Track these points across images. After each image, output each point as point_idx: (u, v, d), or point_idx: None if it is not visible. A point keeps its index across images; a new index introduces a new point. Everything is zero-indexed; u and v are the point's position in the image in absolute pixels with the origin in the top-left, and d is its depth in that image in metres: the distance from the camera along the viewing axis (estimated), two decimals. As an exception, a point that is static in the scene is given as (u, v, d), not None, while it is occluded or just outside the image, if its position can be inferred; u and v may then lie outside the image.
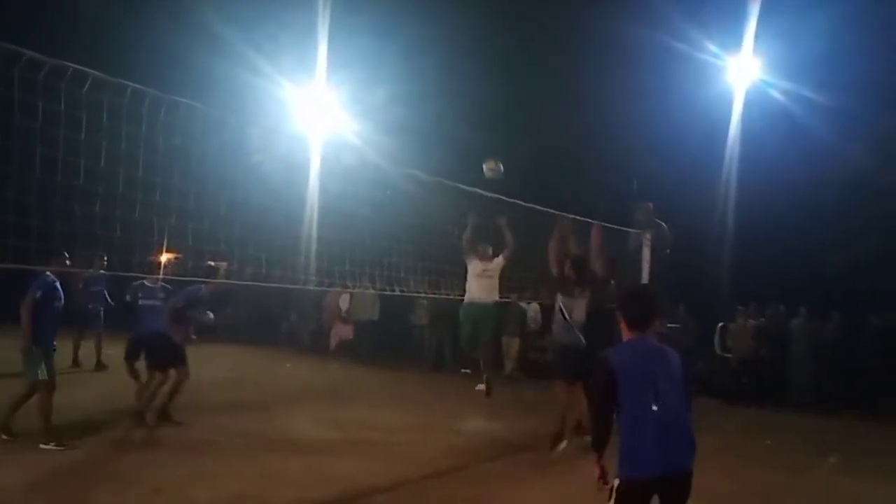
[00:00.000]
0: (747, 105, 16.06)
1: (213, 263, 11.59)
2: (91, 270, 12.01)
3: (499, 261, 9.42)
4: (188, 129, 5.37)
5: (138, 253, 5.76)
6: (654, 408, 3.99)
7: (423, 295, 9.79)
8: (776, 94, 15.72)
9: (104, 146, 4.89)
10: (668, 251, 10.45)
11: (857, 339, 14.54)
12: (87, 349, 12.97)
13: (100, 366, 12.85)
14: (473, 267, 9.38)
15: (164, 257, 18.04)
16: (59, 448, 7.40)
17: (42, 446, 7.39)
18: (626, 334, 4.31)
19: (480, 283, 9.36)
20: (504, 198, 8.58)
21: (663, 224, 10.49)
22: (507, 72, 18.56)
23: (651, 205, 10.49)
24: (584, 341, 8.25)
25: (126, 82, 4.77)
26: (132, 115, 4.92)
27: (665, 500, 4.06)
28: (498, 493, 6.87)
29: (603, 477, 4.07)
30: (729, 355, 15.14)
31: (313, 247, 7.91)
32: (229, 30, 15.00)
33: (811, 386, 14.22)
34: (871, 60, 14.88)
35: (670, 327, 11.36)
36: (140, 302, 9.74)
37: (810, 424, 12.24)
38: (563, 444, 8.19)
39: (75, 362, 12.82)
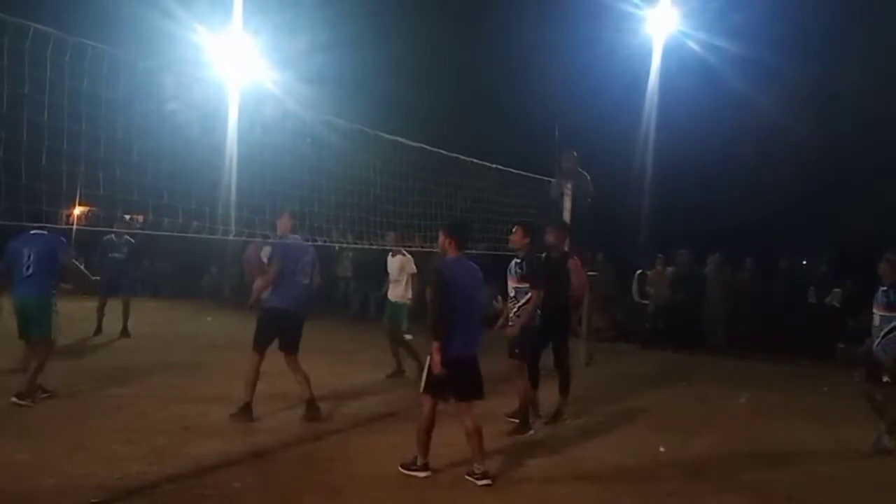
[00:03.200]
0: (665, 55, 16.31)
1: (128, 217, 11.34)
2: (112, 237, 11.77)
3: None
4: (96, 73, 5.15)
5: (46, 204, 5.51)
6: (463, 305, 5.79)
7: (346, 245, 9.72)
8: (693, 45, 15.99)
9: (5, 91, 4.65)
10: (589, 200, 10.62)
11: (768, 284, 15.16)
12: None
13: (124, 333, 12.12)
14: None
15: (77, 210, 17.46)
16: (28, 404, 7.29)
17: (16, 401, 7.26)
18: (452, 254, 5.98)
19: None
20: (427, 147, 8.54)
21: (585, 173, 10.63)
22: (430, 21, 18.37)
23: (575, 153, 10.60)
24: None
25: (27, 22, 4.52)
26: (35, 58, 4.68)
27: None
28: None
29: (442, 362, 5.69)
30: (646, 302, 15.60)
31: (232, 197, 7.74)
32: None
33: (724, 329, 14.79)
34: (785, 11, 15.24)
35: (590, 275, 11.57)
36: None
37: (723, 366, 12.74)
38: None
39: (98, 330, 12.07)
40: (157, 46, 13.54)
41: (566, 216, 10.14)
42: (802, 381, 11.64)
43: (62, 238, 7.75)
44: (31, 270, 7.48)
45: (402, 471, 5.92)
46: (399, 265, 9.94)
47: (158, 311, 15.59)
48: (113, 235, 11.54)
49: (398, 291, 9.96)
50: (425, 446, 5.94)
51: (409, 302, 10.03)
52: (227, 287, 18.98)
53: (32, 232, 7.38)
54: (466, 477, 5.84)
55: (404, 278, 9.93)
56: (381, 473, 5.97)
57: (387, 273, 10.28)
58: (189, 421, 7.22)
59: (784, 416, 8.92)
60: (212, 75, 12.49)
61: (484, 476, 5.80)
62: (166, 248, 18.61)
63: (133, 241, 11.33)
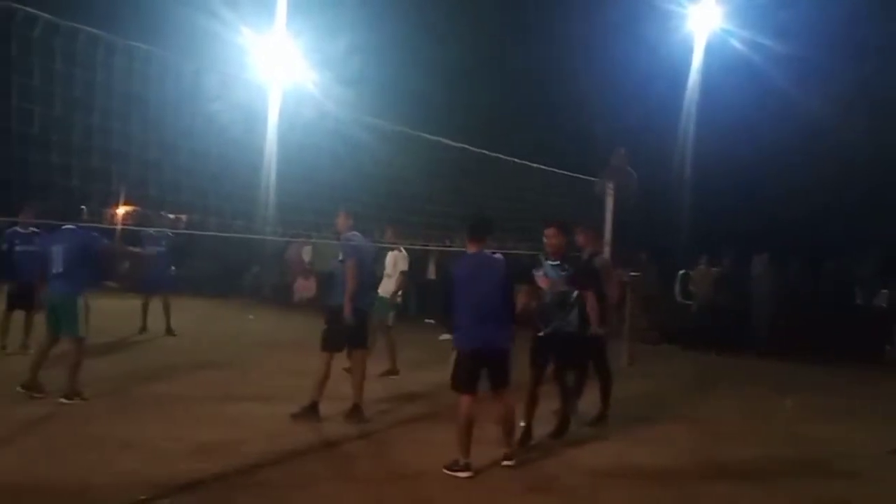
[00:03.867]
0: (707, 53, 16.09)
1: (172, 216, 11.50)
2: (151, 232, 11.77)
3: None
4: (145, 75, 5.22)
5: (95, 203, 5.61)
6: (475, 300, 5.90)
7: (391, 245, 9.75)
8: (737, 44, 15.75)
9: (57, 93, 4.73)
10: (633, 200, 10.53)
11: (814, 285, 14.87)
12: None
13: (169, 331, 12.17)
14: None
15: (123, 209, 17.74)
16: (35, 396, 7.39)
17: (63, 401, 7.37)
18: (471, 250, 6.13)
19: None
20: (469, 147, 8.53)
21: (633, 172, 10.54)
22: (470, 22, 18.33)
23: (623, 150, 10.50)
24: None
25: (79, 26, 4.60)
26: (86, 61, 4.75)
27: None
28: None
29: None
30: (689, 302, 15.40)
31: (271, 198, 7.81)
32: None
33: (770, 331, 14.53)
34: (829, 9, 14.93)
35: (632, 275, 11.46)
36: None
37: (768, 369, 12.51)
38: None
39: (143, 328, 12.12)
40: (203, 47, 13.71)
41: (608, 215, 10.08)
42: (849, 383, 11.39)
43: (94, 233, 7.68)
44: (60, 268, 7.52)
45: (446, 472, 5.91)
46: (393, 261, 9.88)
47: (201, 309, 15.79)
48: (152, 231, 11.68)
49: (388, 286, 9.91)
50: (465, 446, 5.92)
51: (395, 297, 9.96)
52: (268, 286, 19.18)
53: (64, 229, 7.47)
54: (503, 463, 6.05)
55: (396, 274, 9.89)
56: (422, 472, 5.98)
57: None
58: (233, 418, 7.29)
59: (830, 420, 8.72)
60: (254, 76, 12.62)
61: (507, 458, 6.07)
62: (208, 248, 18.84)
63: (172, 236, 11.46)
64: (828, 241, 15.69)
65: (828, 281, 15.06)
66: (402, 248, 9.81)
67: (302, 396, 7.36)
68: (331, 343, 7.43)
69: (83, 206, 7.28)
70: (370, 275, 7.69)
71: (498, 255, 6.22)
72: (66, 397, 7.43)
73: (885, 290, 14.94)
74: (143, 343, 11.55)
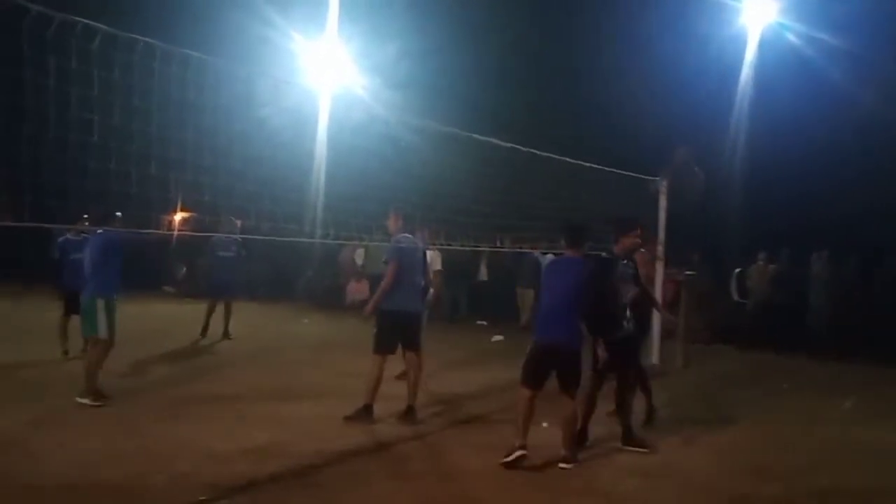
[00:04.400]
0: (761, 47, 15.76)
1: (239, 221, 11.69)
2: (220, 237, 11.65)
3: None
4: (199, 83, 5.32)
5: (155, 210, 5.73)
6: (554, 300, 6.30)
7: (439, 247, 9.75)
8: (791, 37, 15.40)
9: (117, 102, 4.86)
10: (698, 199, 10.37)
11: (873, 283, 14.47)
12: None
13: (226, 335, 12.21)
14: None
15: (180, 215, 18.00)
16: (94, 404, 7.46)
17: (78, 399, 7.46)
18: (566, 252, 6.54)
19: None
20: (520, 147, 8.50)
21: (698, 170, 10.37)
22: (517, 22, 18.28)
23: (686, 149, 10.34)
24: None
25: (136, 37, 4.71)
26: (143, 70, 4.87)
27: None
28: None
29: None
30: (745, 301, 15.12)
31: (321, 200, 7.88)
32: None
33: (828, 330, 14.18)
34: (886, 3, 14.55)
35: (687, 274, 11.31)
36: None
37: (827, 369, 12.19)
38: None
39: (204, 331, 12.13)
40: (255, 53, 13.89)
41: (661, 214, 9.95)
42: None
43: (112, 236, 7.74)
44: (88, 272, 7.75)
45: (504, 462, 6.04)
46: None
47: (255, 313, 16.02)
48: (222, 235, 11.81)
49: None
50: (522, 429, 6.17)
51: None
52: (322, 289, 19.36)
53: (94, 234, 7.75)
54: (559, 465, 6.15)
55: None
56: (473, 473, 5.99)
57: None
58: (287, 420, 7.38)
59: (888, 424, 8.43)
60: (305, 81, 12.75)
61: (564, 460, 6.17)
62: (261, 252, 19.10)
63: (241, 241, 11.61)
64: (886, 238, 15.26)
65: (887, 278, 14.64)
66: (435, 249, 9.76)
67: (356, 398, 7.42)
68: (383, 345, 7.47)
69: (118, 213, 7.46)
70: (419, 277, 7.68)
71: (585, 260, 6.53)
72: (82, 396, 7.51)
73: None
74: (199, 346, 11.76)
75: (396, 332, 7.44)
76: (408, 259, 7.50)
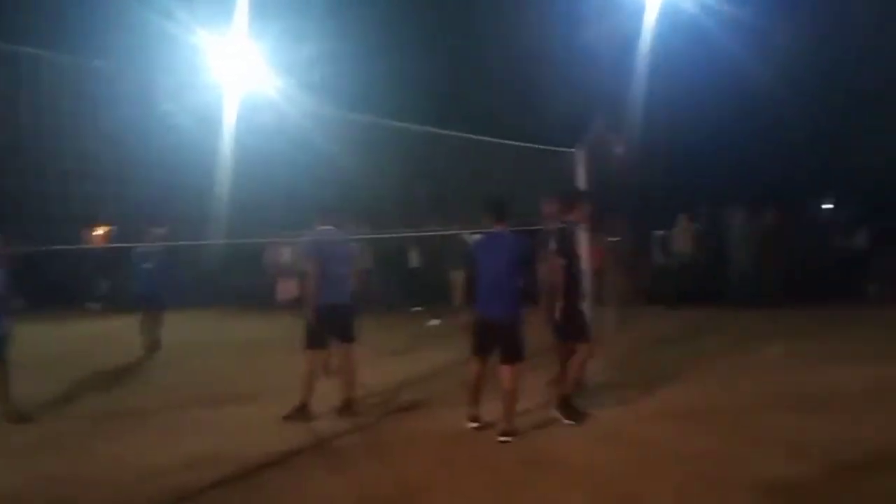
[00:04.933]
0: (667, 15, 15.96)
1: (154, 229, 11.37)
2: (141, 248, 11.21)
3: None
4: (90, 90, 5.10)
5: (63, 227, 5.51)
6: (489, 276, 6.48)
7: (367, 236, 9.68)
8: (687, 4, 15.68)
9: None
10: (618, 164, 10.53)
11: (793, 232, 15.00)
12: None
13: (155, 347, 11.66)
14: None
15: (98, 230, 17.44)
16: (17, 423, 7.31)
17: None
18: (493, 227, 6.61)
19: None
20: (434, 129, 8.45)
21: (615, 136, 10.55)
22: (426, 20, 18.18)
23: (603, 119, 10.49)
24: None
25: (24, 48, 4.47)
26: (30, 81, 4.65)
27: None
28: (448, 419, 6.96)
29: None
30: (669, 261, 15.49)
31: (241, 200, 7.73)
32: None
33: (753, 281, 14.63)
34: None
35: (612, 241, 11.51)
36: None
37: (755, 318, 12.59)
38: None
39: (147, 346, 11.61)
40: (156, 49, 13.41)
41: (580, 184, 10.04)
42: (835, 325, 11.51)
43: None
44: None
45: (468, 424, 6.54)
46: None
47: (183, 320, 15.67)
48: (142, 246, 11.45)
49: None
50: (471, 400, 6.61)
51: None
52: (250, 290, 19.02)
53: None
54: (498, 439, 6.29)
55: None
56: (413, 459, 6.01)
57: None
58: (225, 425, 7.26)
59: (820, 362, 8.83)
60: (211, 79, 12.42)
61: (504, 433, 6.31)
62: (185, 258, 18.65)
63: (162, 250, 11.26)
64: (800, 186, 15.86)
65: (805, 226, 15.22)
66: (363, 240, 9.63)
67: (292, 397, 7.33)
68: (314, 340, 7.40)
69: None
70: (344, 268, 7.58)
71: (514, 235, 6.65)
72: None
73: (862, 230, 15.15)
74: (129, 361, 11.42)
75: (326, 325, 7.37)
76: (328, 252, 7.41)
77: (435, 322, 13.74)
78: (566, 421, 6.78)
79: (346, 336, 7.52)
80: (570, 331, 6.98)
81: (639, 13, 15.91)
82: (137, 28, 13.78)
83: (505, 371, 6.43)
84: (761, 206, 15.02)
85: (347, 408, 7.42)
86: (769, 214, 14.95)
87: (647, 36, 15.94)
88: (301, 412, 7.27)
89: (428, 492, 5.33)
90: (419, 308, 15.56)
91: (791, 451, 5.74)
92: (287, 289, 17.37)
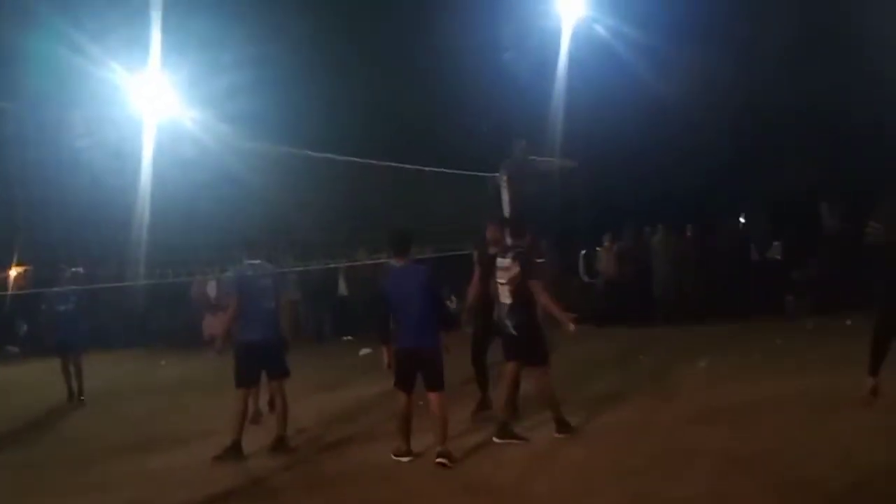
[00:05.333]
0: (577, 39, 16.29)
1: (72, 269, 10.96)
2: (56, 290, 10.73)
3: None
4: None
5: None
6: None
7: (291, 270, 9.59)
8: (601, 31, 16.05)
9: None
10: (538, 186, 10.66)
11: (711, 247, 15.44)
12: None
13: (77, 396, 11.06)
14: None
15: (14, 271, 16.77)
16: None
17: None
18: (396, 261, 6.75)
19: None
20: (354, 159, 8.49)
21: (535, 159, 10.66)
22: (345, 45, 18.18)
23: (524, 141, 10.60)
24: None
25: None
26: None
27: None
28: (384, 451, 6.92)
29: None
30: (594, 281, 15.76)
31: (160, 238, 7.56)
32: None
33: (676, 298, 15.00)
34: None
35: (538, 262, 11.62)
36: None
37: (679, 335, 12.83)
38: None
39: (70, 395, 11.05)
40: (68, 85, 13.01)
41: (506, 209, 10.16)
42: (755, 338, 11.81)
43: None
44: None
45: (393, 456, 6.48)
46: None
47: (109, 363, 15.18)
48: (57, 288, 10.96)
49: None
50: (403, 435, 6.59)
51: None
52: (178, 329, 18.57)
53: None
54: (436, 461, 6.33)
55: None
56: (349, 492, 5.96)
57: None
58: (155, 472, 7.02)
59: (741, 375, 9.06)
60: (127, 113, 12.10)
61: (441, 455, 6.33)
62: (107, 299, 18.09)
63: (78, 292, 10.81)
64: (718, 203, 16.38)
65: (722, 241, 15.70)
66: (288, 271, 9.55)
67: (223, 438, 7.15)
68: (243, 378, 7.25)
69: None
70: (268, 302, 7.46)
71: (420, 265, 6.94)
72: None
73: (777, 243, 15.69)
74: (49, 409, 10.94)
75: (254, 362, 7.23)
76: (251, 287, 7.28)
77: (366, 351, 13.63)
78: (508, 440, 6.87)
79: (275, 371, 7.38)
80: (536, 353, 7.07)
81: (556, 38, 16.25)
82: (47, 64, 13.35)
83: (433, 398, 6.54)
84: (681, 223, 15.46)
85: (280, 445, 7.28)
86: (688, 231, 15.39)
87: (563, 61, 16.24)
88: (232, 452, 7.08)
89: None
90: (349, 338, 15.44)
91: (721, 463, 5.85)
92: (214, 324, 17.01)
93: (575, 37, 15.59)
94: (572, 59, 15.81)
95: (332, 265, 12.76)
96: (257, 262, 7.46)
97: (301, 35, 16.60)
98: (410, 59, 17.29)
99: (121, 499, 6.23)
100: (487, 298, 7.57)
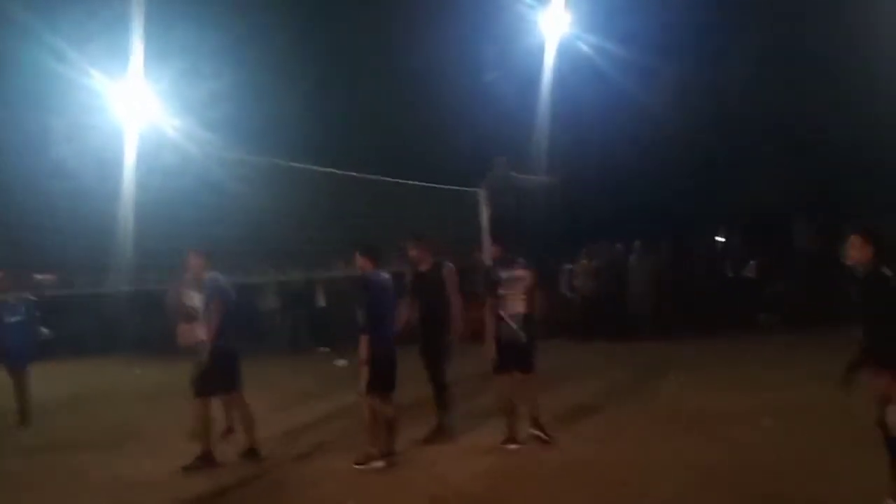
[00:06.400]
0: (561, 56, 16.48)
1: (39, 277, 10.74)
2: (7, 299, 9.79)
3: None
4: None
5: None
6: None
7: (268, 280, 9.61)
8: (585, 47, 16.26)
9: None
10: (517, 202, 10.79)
11: (686, 265, 15.64)
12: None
13: (22, 417, 9.91)
14: None
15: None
16: None
17: None
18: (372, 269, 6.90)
19: None
20: (336, 171, 8.55)
21: (517, 176, 10.81)
22: (329, 56, 18.28)
23: (505, 159, 10.74)
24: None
25: None
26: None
27: None
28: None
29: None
30: (574, 295, 15.87)
31: (140, 244, 7.57)
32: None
33: (651, 313, 15.15)
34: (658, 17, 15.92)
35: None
36: None
37: (654, 350, 13.00)
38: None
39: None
40: (48, 92, 12.99)
41: (483, 225, 10.27)
42: (728, 353, 12.01)
43: None
44: None
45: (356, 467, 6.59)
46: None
47: (82, 371, 15.07)
48: (9, 298, 9.88)
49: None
50: (375, 437, 6.72)
51: None
52: (154, 336, 18.43)
53: None
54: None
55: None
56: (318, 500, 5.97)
57: None
58: (127, 482, 6.96)
59: (714, 388, 9.23)
60: (109, 122, 12.10)
61: (369, 458, 6.59)
62: (81, 305, 17.94)
63: (31, 301, 10.15)
64: (692, 220, 16.60)
65: (698, 259, 15.91)
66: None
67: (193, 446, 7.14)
68: (202, 387, 7.20)
69: None
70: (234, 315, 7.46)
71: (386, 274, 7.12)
72: None
73: (752, 261, 15.93)
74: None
75: (218, 372, 7.17)
76: (225, 297, 7.30)
77: (342, 362, 13.63)
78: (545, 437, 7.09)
79: (231, 384, 7.31)
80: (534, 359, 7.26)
81: (539, 54, 16.44)
82: (28, 71, 13.32)
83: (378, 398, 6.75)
84: (657, 240, 15.65)
85: (250, 454, 7.28)
86: (663, 249, 15.58)
87: (547, 78, 16.43)
88: (203, 461, 7.08)
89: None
90: (326, 349, 15.43)
91: (690, 475, 5.96)
92: (189, 332, 16.92)
93: (558, 54, 15.80)
94: (555, 77, 16.01)
95: (310, 276, 12.77)
96: (214, 274, 7.41)
97: (283, 45, 16.68)
98: (394, 72, 17.41)
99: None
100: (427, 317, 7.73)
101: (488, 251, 9.96)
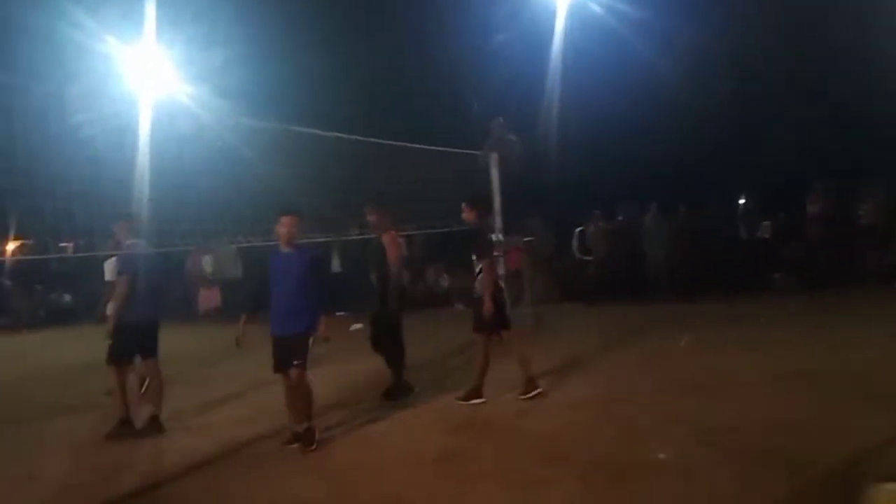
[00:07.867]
0: (572, 16, 16.30)
1: (63, 244, 10.89)
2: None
3: None
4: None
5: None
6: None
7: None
8: (596, 7, 16.07)
9: None
10: (519, 166, 10.78)
11: (702, 227, 15.62)
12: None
13: None
14: None
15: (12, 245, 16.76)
16: None
17: None
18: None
19: None
20: (343, 135, 8.58)
21: (514, 138, 10.78)
22: (339, 26, 18.21)
23: (502, 119, 10.71)
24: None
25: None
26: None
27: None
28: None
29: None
30: (588, 258, 15.91)
31: (158, 210, 7.66)
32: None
33: (666, 276, 15.18)
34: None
35: (526, 241, 11.78)
36: None
37: (667, 312, 13.03)
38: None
39: None
40: (64, 58, 13.07)
41: (494, 186, 10.30)
42: (742, 315, 12.01)
43: None
44: None
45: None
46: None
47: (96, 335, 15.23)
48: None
49: None
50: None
51: None
52: (172, 301, 18.68)
53: None
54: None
55: None
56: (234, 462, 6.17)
57: None
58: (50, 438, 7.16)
59: (720, 351, 9.24)
60: (123, 89, 12.19)
61: (295, 439, 6.45)
62: (96, 271, 18.14)
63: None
64: (709, 182, 16.51)
65: (714, 221, 15.87)
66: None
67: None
68: (116, 354, 7.25)
69: None
70: (154, 282, 7.43)
71: (300, 250, 6.72)
72: None
73: (766, 223, 15.88)
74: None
75: (131, 340, 7.23)
76: (139, 267, 7.21)
77: (358, 326, 13.75)
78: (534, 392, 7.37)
79: (149, 351, 7.38)
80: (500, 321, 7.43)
81: (550, 16, 16.29)
82: (44, 38, 13.40)
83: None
84: (674, 202, 15.62)
85: (153, 424, 7.27)
86: (681, 211, 15.54)
87: (558, 39, 16.30)
88: (123, 427, 7.15)
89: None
90: (342, 313, 15.57)
91: (690, 433, 6.02)
92: (209, 297, 17.19)
93: (569, 14, 15.65)
94: (567, 38, 15.86)
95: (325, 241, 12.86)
96: (136, 241, 7.33)
97: (296, 11, 16.63)
98: (404, 35, 17.32)
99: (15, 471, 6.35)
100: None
101: (499, 214, 10.06)
